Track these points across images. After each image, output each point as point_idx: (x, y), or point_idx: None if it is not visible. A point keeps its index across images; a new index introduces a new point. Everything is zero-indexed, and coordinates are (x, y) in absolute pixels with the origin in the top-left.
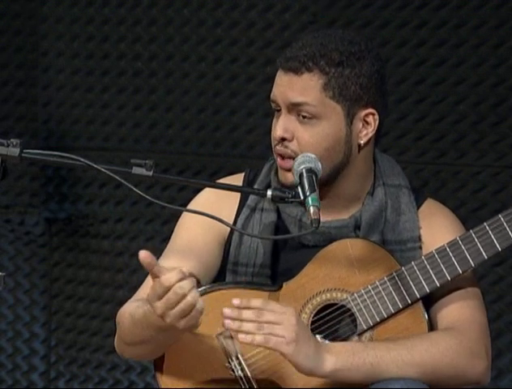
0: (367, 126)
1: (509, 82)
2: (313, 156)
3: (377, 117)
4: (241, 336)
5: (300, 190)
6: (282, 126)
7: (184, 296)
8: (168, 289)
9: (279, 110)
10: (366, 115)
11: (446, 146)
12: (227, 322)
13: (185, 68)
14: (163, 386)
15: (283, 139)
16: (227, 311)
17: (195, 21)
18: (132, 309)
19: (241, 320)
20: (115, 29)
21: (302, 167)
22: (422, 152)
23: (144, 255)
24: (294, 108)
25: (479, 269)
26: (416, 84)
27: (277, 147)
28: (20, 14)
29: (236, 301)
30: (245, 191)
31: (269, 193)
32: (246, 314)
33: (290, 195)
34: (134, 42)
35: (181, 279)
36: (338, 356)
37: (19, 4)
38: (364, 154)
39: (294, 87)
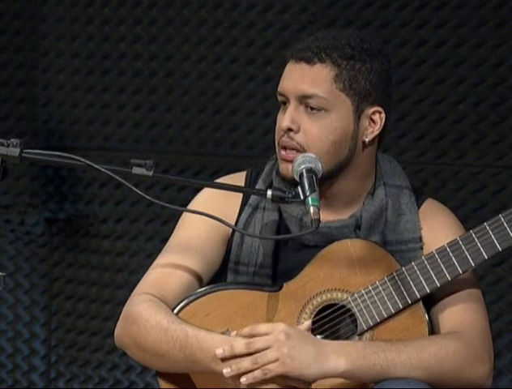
0: (373, 124)
1: (509, 82)
2: (313, 156)
3: (383, 115)
4: (244, 381)
5: (300, 190)
6: (289, 116)
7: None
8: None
9: (285, 103)
10: (373, 113)
11: (446, 146)
12: (226, 371)
13: (185, 68)
14: (163, 387)
15: (289, 130)
16: (219, 352)
17: (195, 21)
18: (166, 325)
19: (235, 356)
20: (115, 29)
21: (302, 167)
22: (422, 152)
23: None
24: (303, 100)
25: (479, 269)
26: (415, 84)
27: (282, 139)
28: (20, 15)
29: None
30: (244, 192)
31: (269, 193)
32: (237, 346)
33: (290, 195)
34: (134, 42)
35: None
36: (348, 358)
37: (19, 4)
38: (368, 153)
39: (305, 79)
